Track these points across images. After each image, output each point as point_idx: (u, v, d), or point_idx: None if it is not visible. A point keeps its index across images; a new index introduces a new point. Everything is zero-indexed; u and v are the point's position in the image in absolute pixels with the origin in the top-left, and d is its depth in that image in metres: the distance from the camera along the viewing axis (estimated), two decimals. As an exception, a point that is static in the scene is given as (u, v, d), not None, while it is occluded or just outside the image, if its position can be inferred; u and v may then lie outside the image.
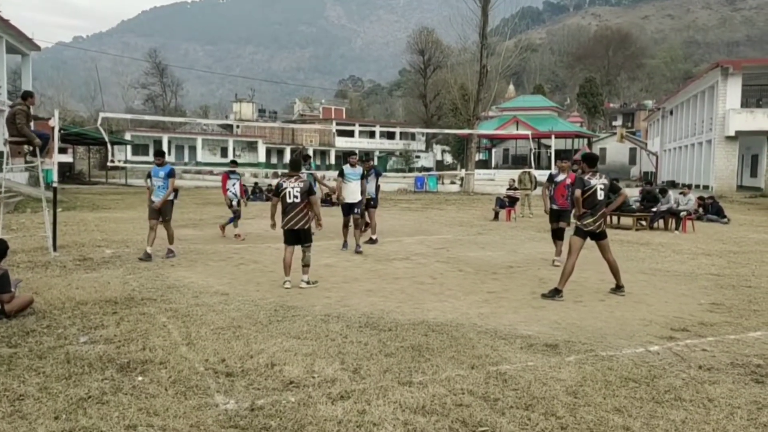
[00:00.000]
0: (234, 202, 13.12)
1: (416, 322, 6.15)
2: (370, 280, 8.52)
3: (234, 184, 13.27)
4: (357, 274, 9.05)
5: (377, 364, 4.83)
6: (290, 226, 7.90)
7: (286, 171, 8.39)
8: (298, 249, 8.03)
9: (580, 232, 7.74)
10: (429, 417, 3.87)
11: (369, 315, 6.44)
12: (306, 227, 8.00)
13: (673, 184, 36.82)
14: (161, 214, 10.17)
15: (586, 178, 7.84)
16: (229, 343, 5.31)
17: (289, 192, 7.86)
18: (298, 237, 7.96)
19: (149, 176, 10.29)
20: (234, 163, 14.63)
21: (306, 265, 8.02)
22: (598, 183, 7.78)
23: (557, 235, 10.45)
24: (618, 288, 7.88)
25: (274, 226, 8.33)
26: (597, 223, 7.70)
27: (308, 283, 7.99)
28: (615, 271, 7.90)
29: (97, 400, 4.05)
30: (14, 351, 5.03)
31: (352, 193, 11.45)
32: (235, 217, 13.12)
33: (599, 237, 7.79)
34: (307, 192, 7.92)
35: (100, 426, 3.65)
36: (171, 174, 10.16)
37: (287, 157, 71.34)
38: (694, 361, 5.09)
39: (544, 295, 7.56)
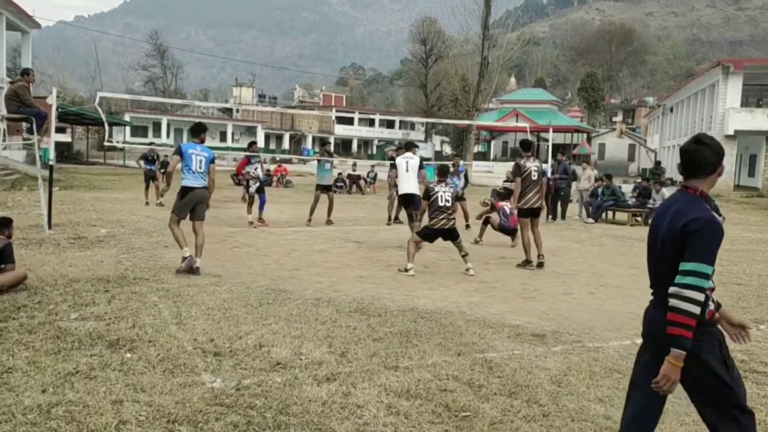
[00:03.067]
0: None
1: (406, 309, 6.19)
2: (363, 267, 8.56)
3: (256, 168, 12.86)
4: (350, 260, 9.09)
5: (365, 348, 4.87)
6: (441, 226, 8.26)
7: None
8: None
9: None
10: (413, 401, 3.91)
11: (359, 300, 6.48)
12: (454, 226, 8.45)
13: (671, 182, 36.88)
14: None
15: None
16: (219, 324, 5.35)
17: (441, 196, 8.28)
18: (445, 235, 8.42)
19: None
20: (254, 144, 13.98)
21: (466, 254, 8.49)
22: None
23: None
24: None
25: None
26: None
27: (471, 269, 8.40)
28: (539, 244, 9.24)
29: (85, 375, 4.08)
30: (4, 325, 5.06)
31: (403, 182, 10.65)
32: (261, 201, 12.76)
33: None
34: (457, 197, 8.74)
35: (86, 400, 3.68)
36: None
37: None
38: (679, 354, 5.13)
39: (518, 265, 8.99)
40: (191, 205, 7.74)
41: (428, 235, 8.48)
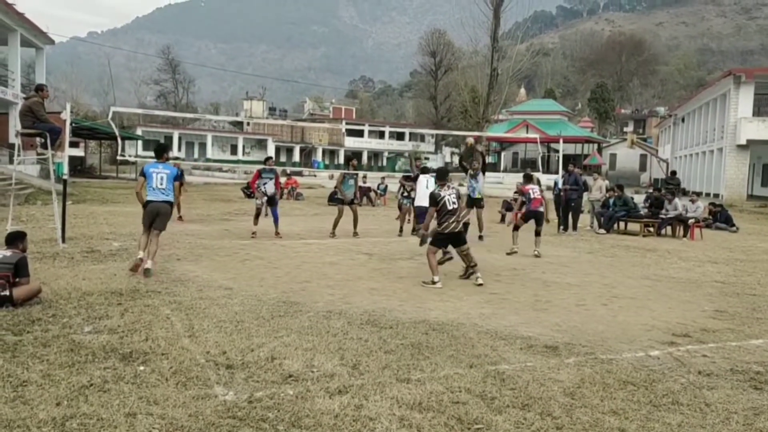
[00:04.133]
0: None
1: (417, 321, 6.18)
2: (374, 279, 8.56)
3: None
4: (361, 272, 9.09)
5: (376, 361, 4.86)
6: (451, 230, 8.30)
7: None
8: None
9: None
10: (425, 413, 3.90)
11: (371, 312, 6.47)
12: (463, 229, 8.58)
13: (683, 192, 36.67)
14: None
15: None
16: (231, 336, 5.36)
17: (448, 200, 8.36)
18: (455, 239, 8.42)
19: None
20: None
21: (475, 264, 8.50)
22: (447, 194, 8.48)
23: None
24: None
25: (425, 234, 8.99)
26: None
27: (480, 278, 8.39)
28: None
29: (99, 388, 4.10)
30: (19, 338, 5.10)
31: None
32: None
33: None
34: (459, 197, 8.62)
35: (100, 413, 3.70)
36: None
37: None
38: (693, 366, 5.09)
39: (424, 282, 8.27)
40: (150, 217, 8.37)
41: (440, 241, 8.45)
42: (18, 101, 29.65)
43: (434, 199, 8.44)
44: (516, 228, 11.99)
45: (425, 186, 11.80)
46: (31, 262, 8.44)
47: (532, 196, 11.66)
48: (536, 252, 11.35)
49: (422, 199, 11.43)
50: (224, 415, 3.74)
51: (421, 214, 11.67)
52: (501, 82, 37.14)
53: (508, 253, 11.44)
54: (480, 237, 13.28)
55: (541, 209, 11.68)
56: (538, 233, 11.66)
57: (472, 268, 8.49)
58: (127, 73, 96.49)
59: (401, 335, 5.61)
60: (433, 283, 8.13)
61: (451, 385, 4.41)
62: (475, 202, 13.52)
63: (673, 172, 27.13)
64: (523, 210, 11.88)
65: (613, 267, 10.56)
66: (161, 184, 8.41)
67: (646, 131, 74.95)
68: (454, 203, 8.34)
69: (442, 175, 8.80)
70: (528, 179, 12.34)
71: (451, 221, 8.29)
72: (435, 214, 8.45)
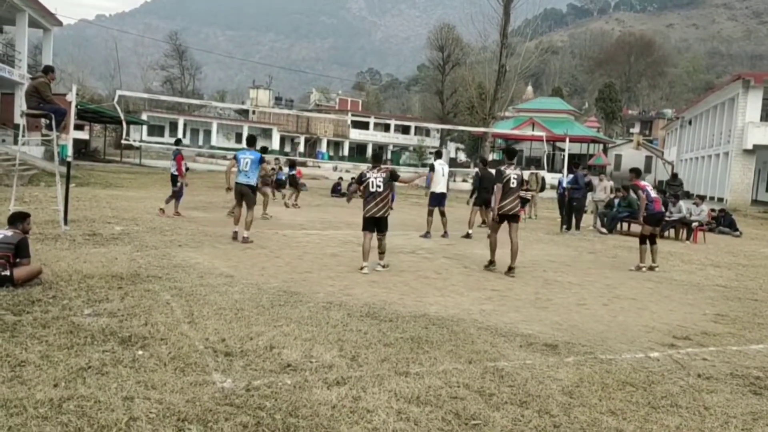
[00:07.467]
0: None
1: (417, 315, 6.17)
2: (375, 271, 8.54)
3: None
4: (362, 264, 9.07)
5: (375, 353, 4.85)
6: (372, 214, 8.48)
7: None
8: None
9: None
10: (423, 407, 3.89)
11: (371, 305, 6.46)
12: (386, 215, 8.67)
13: (687, 195, 36.54)
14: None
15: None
16: (230, 324, 5.35)
17: (373, 182, 8.48)
18: (377, 224, 8.60)
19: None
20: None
21: (382, 252, 8.73)
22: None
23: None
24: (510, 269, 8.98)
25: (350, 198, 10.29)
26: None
27: (384, 267, 8.66)
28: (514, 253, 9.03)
29: (97, 370, 4.10)
30: (19, 319, 5.09)
31: (439, 183, 12.81)
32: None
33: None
34: (391, 179, 8.63)
35: (97, 395, 3.69)
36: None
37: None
38: (693, 369, 5.07)
39: (486, 267, 9.28)
40: (238, 196, 10.58)
41: (365, 223, 8.62)
42: (24, 82, 29.60)
43: (359, 178, 8.70)
44: (643, 240, 10.25)
45: (442, 174, 12.76)
46: (33, 243, 8.44)
47: (652, 195, 10.19)
48: (654, 266, 10.11)
49: (440, 186, 12.67)
50: (221, 402, 3.73)
51: (434, 198, 12.75)
52: (509, 78, 36.92)
53: (632, 269, 10.15)
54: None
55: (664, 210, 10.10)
56: (653, 240, 10.33)
57: (379, 255, 8.72)
58: (134, 58, 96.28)
59: (401, 329, 5.60)
60: (360, 269, 8.38)
61: (450, 380, 4.40)
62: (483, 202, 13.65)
63: (675, 175, 27.06)
64: (644, 213, 10.18)
65: (615, 267, 10.53)
66: (246, 167, 10.36)
67: (653, 133, 74.72)
68: (378, 186, 8.47)
69: (376, 158, 9.09)
70: (638, 174, 10.71)
71: (372, 204, 8.46)
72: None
